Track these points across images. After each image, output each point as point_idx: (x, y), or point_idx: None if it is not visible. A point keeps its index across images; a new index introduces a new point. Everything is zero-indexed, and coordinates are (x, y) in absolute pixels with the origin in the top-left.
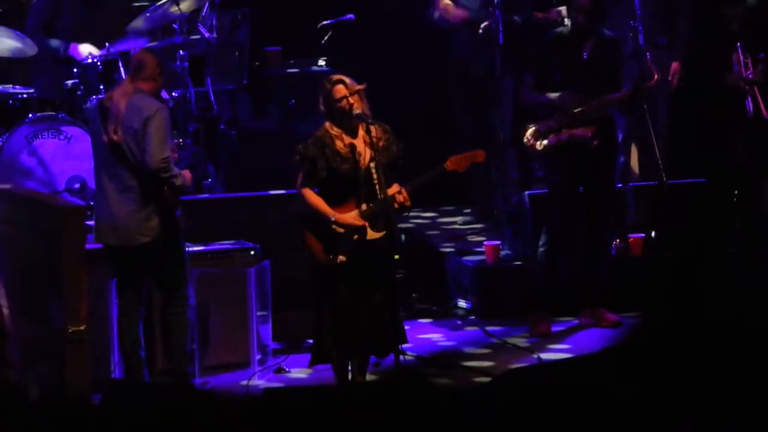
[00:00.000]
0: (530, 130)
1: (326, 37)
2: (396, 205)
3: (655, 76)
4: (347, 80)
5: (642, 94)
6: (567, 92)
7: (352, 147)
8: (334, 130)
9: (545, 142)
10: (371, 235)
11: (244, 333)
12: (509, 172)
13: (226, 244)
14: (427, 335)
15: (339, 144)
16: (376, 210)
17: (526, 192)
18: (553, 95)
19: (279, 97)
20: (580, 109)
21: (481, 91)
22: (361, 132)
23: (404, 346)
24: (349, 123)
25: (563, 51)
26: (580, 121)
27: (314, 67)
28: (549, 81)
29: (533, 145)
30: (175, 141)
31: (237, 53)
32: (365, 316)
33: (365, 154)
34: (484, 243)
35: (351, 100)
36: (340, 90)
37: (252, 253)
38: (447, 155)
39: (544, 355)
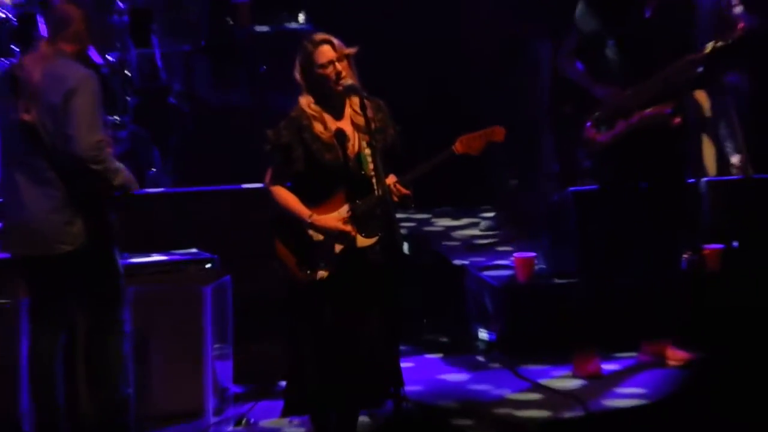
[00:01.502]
0: (589, 120)
1: None
2: (395, 198)
3: (740, 25)
4: (335, 41)
5: (725, 53)
6: (616, 89)
7: (339, 132)
8: (313, 108)
9: (611, 132)
10: (362, 242)
11: (197, 372)
12: (546, 162)
13: (174, 255)
14: (438, 376)
15: (318, 127)
16: (367, 209)
17: (570, 188)
18: (599, 86)
19: (247, 63)
20: (657, 78)
21: (508, 57)
22: (348, 110)
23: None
24: (334, 98)
25: (618, 6)
26: (650, 98)
27: (292, 25)
28: (597, 46)
29: (595, 138)
30: (111, 120)
31: (193, 5)
32: (357, 352)
33: (354, 139)
34: (514, 255)
35: (339, 66)
36: (326, 53)
37: (208, 266)
38: (455, 136)
39: (594, 405)
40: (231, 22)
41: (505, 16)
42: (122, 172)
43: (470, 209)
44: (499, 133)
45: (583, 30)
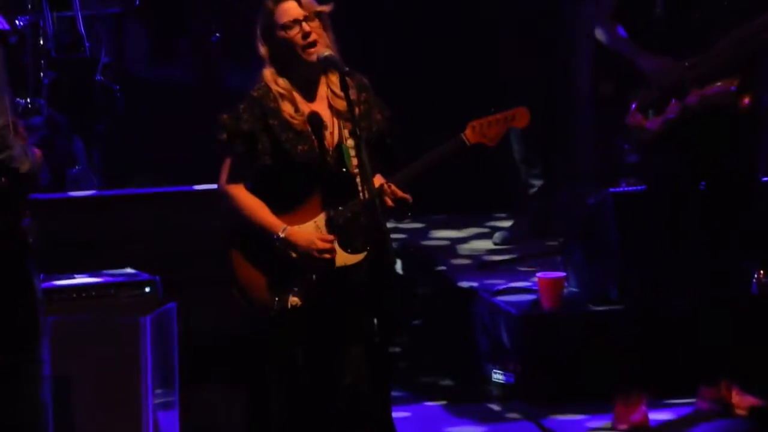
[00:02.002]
0: (633, 102)
1: None
2: (389, 203)
3: None
4: None
5: None
6: (668, 60)
7: (313, 117)
8: (280, 84)
9: (663, 117)
10: (343, 259)
11: (134, 425)
12: (581, 156)
13: (104, 276)
14: (440, 429)
15: (288, 108)
16: (351, 217)
17: (609, 189)
18: (646, 56)
19: (195, 28)
20: (721, 46)
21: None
22: (324, 90)
23: None
24: (303, 71)
25: None
26: (714, 71)
27: None
28: (644, 4)
29: (642, 125)
30: (21, 102)
31: None
32: (337, 400)
33: (333, 126)
34: (537, 275)
35: (307, 27)
36: (289, 10)
37: (147, 290)
38: (467, 121)
39: None
40: None
41: None
42: (28, 155)
43: (478, 217)
44: (522, 116)
45: None
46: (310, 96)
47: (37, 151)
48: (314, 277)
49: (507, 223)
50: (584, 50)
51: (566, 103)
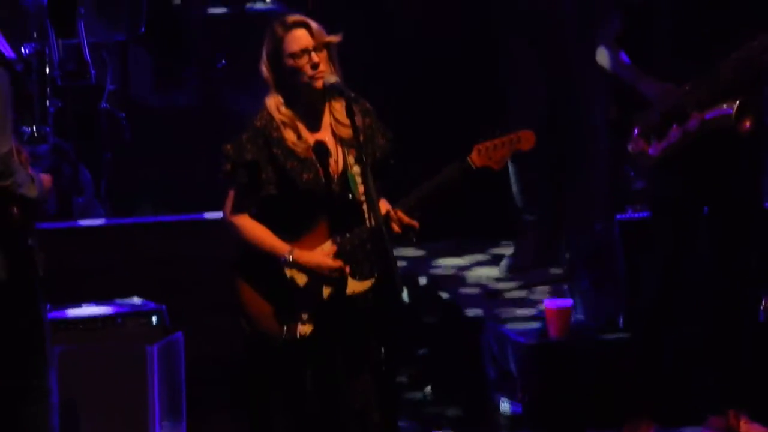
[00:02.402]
0: (635, 128)
1: None
2: (396, 229)
3: None
4: (313, 25)
5: None
6: (668, 85)
7: (318, 146)
8: (283, 112)
9: (664, 142)
10: (353, 286)
11: None
12: (593, 181)
13: (111, 305)
14: None
15: (291, 136)
16: (358, 244)
17: (616, 215)
18: (647, 81)
19: (200, 55)
20: (722, 68)
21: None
22: (328, 118)
23: None
24: (309, 100)
25: None
26: (715, 94)
27: (256, 6)
28: (649, 29)
29: (644, 150)
30: (26, 130)
31: None
32: (346, 426)
33: (337, 154)
34: (545, 303)
35: (316, 57)
36: (300, 38)
37: (154, 319)
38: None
39: None
40: (178, 2)
41: None
42: (34, 181)
43: (478, 243)
44: (527, 139)
45: (630, 8)
46: (314, 124)
47: (46, 177)
48: (329, 290)
49: (508, 250)
50: (597, 77)
51: (580, 131)
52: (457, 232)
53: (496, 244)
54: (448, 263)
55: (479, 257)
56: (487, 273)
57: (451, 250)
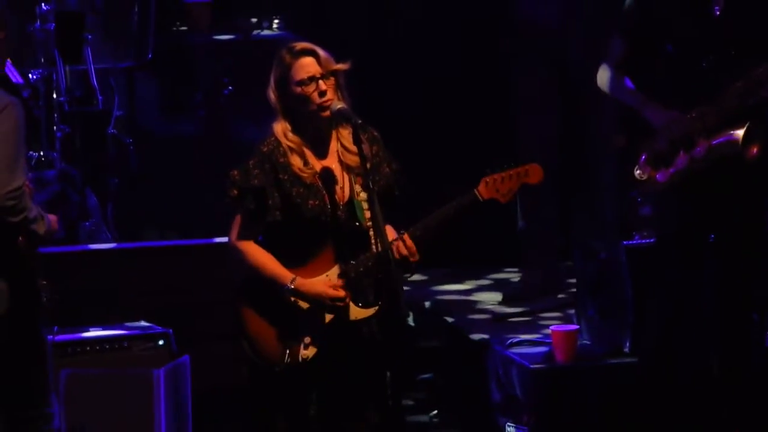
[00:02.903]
0: (642, 155)
1: None
2: (403, 251)
3: None
4: (321, 52)
5: None
6: (675, 112)
7: (325, 173)
8: (290, 138)
9: (671, 168)
10: (356, 313)
11: None
12: (600, 208)
13: (116, 330)
14: None
15: (297, 162)
16: (363, 271)
17: (623, 242)
18: (652, 108)
19: (207, 81)
20: (728, 95)
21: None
22: (335, 145)
23: None
24: (316, 127)
25: (679, 3)
26: (720, 121)
27: (263, 32)
28: (653, 53)
29: (651, 177)
30: (34, 155)
31: (137, 8)
32: None
33: (344, 181)
34: (551, 328)
35: (323, 85)
36: (307, 66)
37: (161, 342)
38: (480, 175)
39: None
40: (185, 29)
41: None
42: (43, 219)
43: (479, 270)
44: (535, 172)
45: (632, 33)
46: (321, 151)
47: (53, 218)
48: (330, 321)
49: (507, 275)
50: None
51: (591, 158)
52: (454, 258)
53: (496, 270)
54: (450, 288)
55: (480, 282)
56: (490, 298)
57: (451, 276)
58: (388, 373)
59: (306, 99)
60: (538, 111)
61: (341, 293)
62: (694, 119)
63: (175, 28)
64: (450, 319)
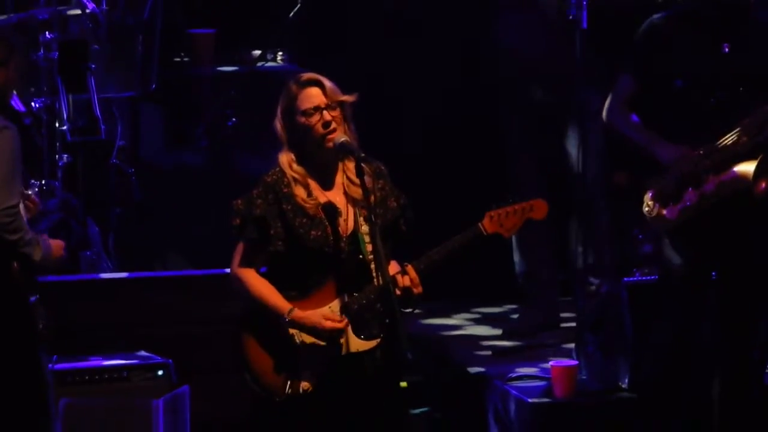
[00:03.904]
0: (650, 191)
1: (292, 13)
2: (398, 292)
3: None
4: (327, 83)
5: None
6: (684, 149)
7: (328, 206)
8: (295, 169)
9: (680, 205)
10: (357, 345)
11: None
12: (596, 245)
13: (116, 359)
14: None
15: (301, 192)
16: (366, 303)
17: (624, 279)
18: (662, 145)
19: (211, 113)
20: (737, 131)
21: (548, 110)
22: (340, 177)
23: None
24: (321, 158)
25: (689, 40)
26: (729, 158)
27: (268, 64)
28: (660, 91)
29: (660, 214)
30: (34, 184)
31: (141, 38)
32: None
33: (348, 214)
34: (551, 363)
35: (328, 115)
36: (313, 97)
37: (160, 373)
38: (483, 210)
39: None
40: (188, 60)
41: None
42: (39, 245)
43: (470, 304)
44: (540, 208)
45: (642, 71)
46: (327, 183)
47: (57, 244)
48: (329, 354)
49: (513, 316)
50: (596, 141)
51: (581, 195)
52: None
53: (485, 304)
54: (445, 323)
55: (468, 316)
56: (487, 332)
57: (441, 310)
58: (391, 407)
59: (310, 129)
60: (527, 148)
61: (338, 325)
62: (702, 156)
63: (178, 59)
64: (448, 353)
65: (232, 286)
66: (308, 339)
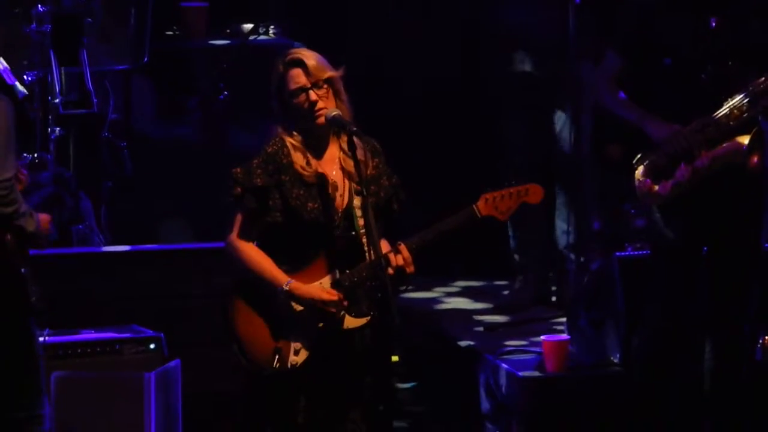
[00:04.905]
0: (641, 167)
1: None
2: (391, 271)
3: None
4: (311, 60)
5: None
6: (674, 125)
7: (322, 176)
8: (295, 139)
9: (673, 180)
10: (349, 322)
11: None
12: (586, 219)
13: (108, 333)
14: None
15: (299, 160)
16: (357, 280)
17: (616, 253)
18: (651, 121)
19: (203, 87)
20: (728, 106)
21: (544, 86)
22: (336, 151)
23: None
24: (316, 133)
25: (675, 16)
26: (721, 132)
27: (261, 38)
28: (649, 67)
29: (651, 190)
30: (26, 157)
31: (134, 11)
32: None
33: (343, 187)
34: (542, 338)
35: (314, 95)
36: (295, 77)
37: (152, 346)
38: (479, 191)
39: None
40: (180, 33)
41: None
42: (33, 216)
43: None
44: (536, 192)
45: (628, 48)
46: (323, 156)
47: (44, 217)
48: (323, 323)
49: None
50: (586, 115)
51: (570, 169)
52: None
53: (474, 279)
54: (433, 297)
55: (461, 291)
56: (478, 307)
57: (429, 284)
58: (380, 385)
59: (299, 108)
60: (520, 121)
61: (335, 296)
62: (694, 131)
63: (171, 33)
64: (440, 328)
65: (228, 256)
66: (301, 312)
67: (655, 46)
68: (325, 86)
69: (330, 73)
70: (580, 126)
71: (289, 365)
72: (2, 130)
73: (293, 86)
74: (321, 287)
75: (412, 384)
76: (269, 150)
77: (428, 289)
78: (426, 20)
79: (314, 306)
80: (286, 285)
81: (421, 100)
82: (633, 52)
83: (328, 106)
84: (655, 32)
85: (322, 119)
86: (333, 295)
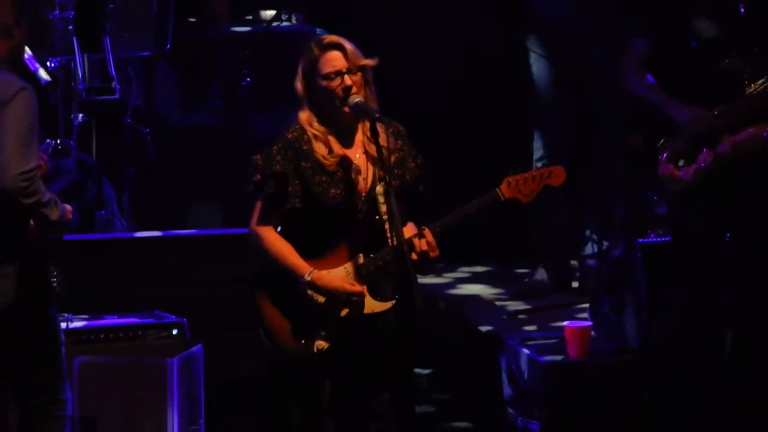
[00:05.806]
0: (664, 155)
1: None
2: (415, 256)
3: None
4: (349, 45)
5: None
6: (700, 109)
7: (344, 161)
8: (315, 127)
9: (695, 166)
10: (372, 306)
11: None
12: (609, 206)
13: (130, 318)
14: None
15: (321, 149)
16: (381, 265)
17: (639, 239)
18: (677, 105)
19: (226, 73)
20: (752, 92)
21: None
22: (360, 137)
23: None
24: (341, 120)
25: (704, 1)
26: (745, 118)
27: (284, 24)
28: (676, 51)
29: (674, 174)
30: (49, 143)
31: None
32: None
33: (367, 172)
34: (565, 325)
35: (349, 80)
36: (333, 60)
37: (174, 332)
38: (501, 175)
39: None
40: (203, 20)
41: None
42: (57, 205)
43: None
44: (559, 174)
45: (656, 32)
46: (347, 141)
47: (68, 207)
48: (347, 310)
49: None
50: (618, 102)
51: (599, 156)
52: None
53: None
54: (455, 282)
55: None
56: (499, 293)
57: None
58: (404, 369)
59: (331, 93)
60: (551, 109)
61: (358, 288)
62: (717, 116)
63: (193, 19)
64: (462, 314)
65: (249, 244)
66: (324, 300)
67: (683, 30)
68: (359, 73)
69: (365, 60)
70: (609, 112)
71: (315, 350)
72: (25, 120)
73: (329, 69)
74: (343, 277)
75: (429, 371)
76: (289, 136)
77: (450, 271)
78: (447, 6)
79: (337, 297)
80: (308, 275)
81: (444, 85)
82: (660, 37)
83: (358, 93)
84: (683, 17)
85: (347, 108)
86: (355, 286)
